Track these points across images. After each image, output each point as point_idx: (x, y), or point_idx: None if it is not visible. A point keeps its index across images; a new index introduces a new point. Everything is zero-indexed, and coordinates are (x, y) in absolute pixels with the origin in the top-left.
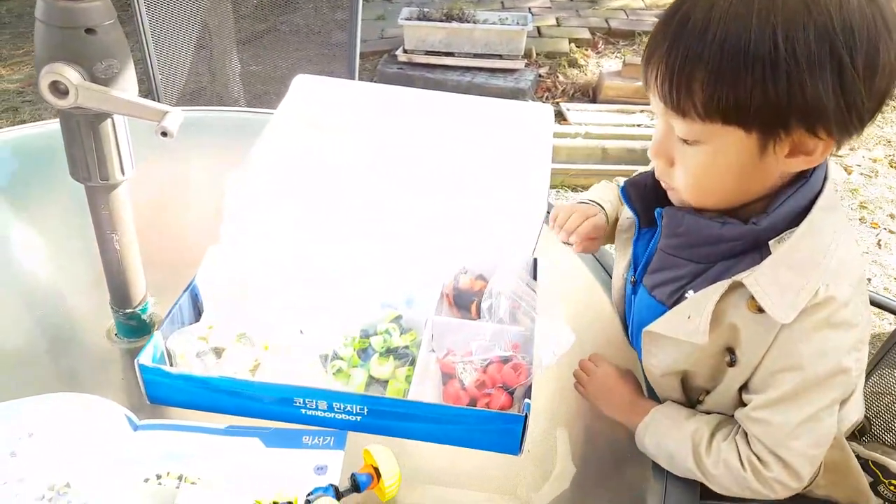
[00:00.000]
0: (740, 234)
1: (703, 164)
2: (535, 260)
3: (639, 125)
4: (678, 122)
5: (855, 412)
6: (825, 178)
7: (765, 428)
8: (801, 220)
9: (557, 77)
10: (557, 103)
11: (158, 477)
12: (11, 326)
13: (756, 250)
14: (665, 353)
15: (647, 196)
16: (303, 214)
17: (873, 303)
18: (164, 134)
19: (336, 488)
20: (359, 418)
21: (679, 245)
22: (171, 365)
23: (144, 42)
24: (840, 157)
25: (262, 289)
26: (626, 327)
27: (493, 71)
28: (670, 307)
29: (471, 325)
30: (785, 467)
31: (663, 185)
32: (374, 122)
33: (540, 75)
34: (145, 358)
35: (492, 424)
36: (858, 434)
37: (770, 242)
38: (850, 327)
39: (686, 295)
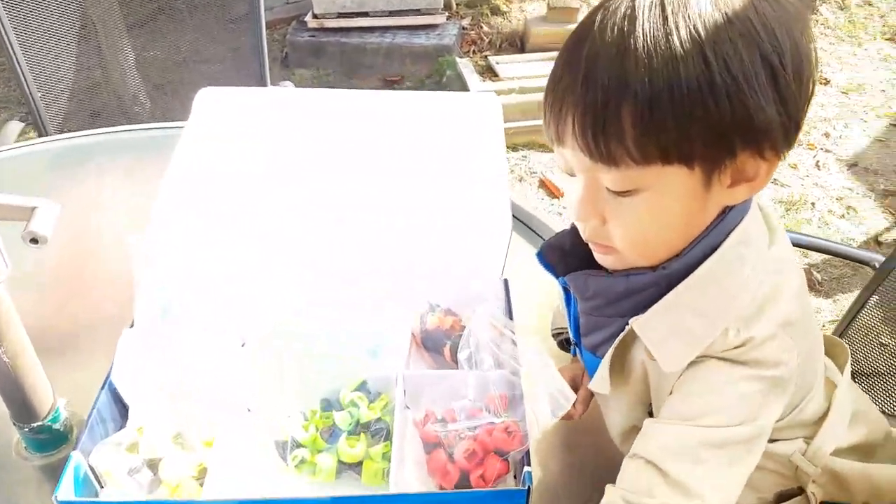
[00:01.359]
0: (648, 283)
1: (646, 214)
2: (506, 281)
3: None
4: (608, 174)
5: (831, 443)
6: (747, 211)
7: (646, 437)
8: None
9: (482, 28)
10: (485, 57)
11: None
12: None
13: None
14: (613, 410)
15: (567, 258)
16: (230, 264)
17: (815, 248)
18: (35, 241)
19: None
20: None
21: (597, 306)
22: (100, 484)
23: (10, 49)
24: None
25: (192, 369)
26: None
27: (413, 28)
28: None
29: (449, 378)
30: (674, 485)
31: (596, 248)
32: (299, 137)
33: (463, 28)
34: (65, 491)
35: (491, 502)
36: None
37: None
38: (767, 365)
39: None
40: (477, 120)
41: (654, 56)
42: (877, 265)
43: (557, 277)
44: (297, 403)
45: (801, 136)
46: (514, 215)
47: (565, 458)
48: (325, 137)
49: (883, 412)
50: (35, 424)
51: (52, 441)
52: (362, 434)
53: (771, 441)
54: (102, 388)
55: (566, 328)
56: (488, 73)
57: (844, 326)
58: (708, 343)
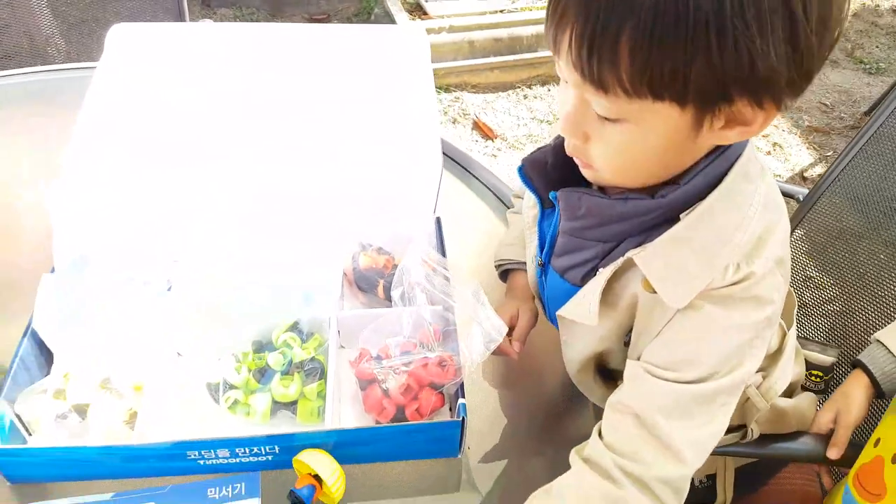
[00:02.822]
0: (647, 209)
1: (627, 143)
2: (439, 220)
3: (501, 11)
4: (596, 98)
5: (783, 381)
6: (747, 143)
7: (636, 389)
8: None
9: None
10: None
11: None
12: None
13: (669, 224)
14: (578, 338)
15: (548, 174)
16: (152, 207)
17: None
18: None
19: None
20: (270, 457)
21: (583, 227)
22: (27, 432)
23: None
24: None
25: (118, 314)
26: (544, 309)
27: None
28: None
29: (383, 315)
30: (662, 448)
31: (577, 161)
32: (221, 74)
33: None
34: None
35: (427, 434)
36: None
37: (682, 215)
38: (763, 304)
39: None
40: (404, 54)
41: None
42: (801, 198)
43: (537, 194)
44: (228, 346)
45: None
46: (445, 153)
47: (501, 392)
48: (247, 74)
49: (806, 338)
50: None
51: None
52: (296, 374)
53: None
54: (25, 335)
55: (509, 260)
56: (417, 10)
57: None
58: (707, 280)
